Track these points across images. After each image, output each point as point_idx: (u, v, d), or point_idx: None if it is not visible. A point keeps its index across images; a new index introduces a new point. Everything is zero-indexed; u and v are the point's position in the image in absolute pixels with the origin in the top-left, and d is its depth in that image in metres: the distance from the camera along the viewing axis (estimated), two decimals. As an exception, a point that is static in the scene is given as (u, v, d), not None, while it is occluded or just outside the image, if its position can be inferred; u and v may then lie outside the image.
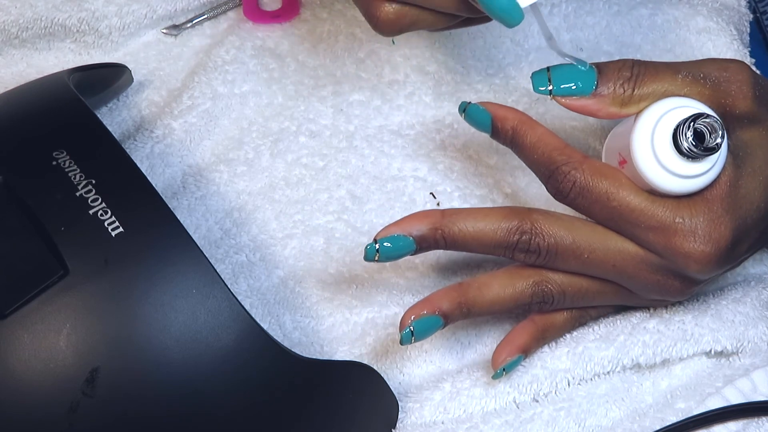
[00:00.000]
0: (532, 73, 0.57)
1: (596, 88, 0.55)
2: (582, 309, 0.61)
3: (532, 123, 0.58)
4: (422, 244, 0.57)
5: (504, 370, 0.59)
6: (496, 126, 0.59)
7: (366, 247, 0.56)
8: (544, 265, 0.57)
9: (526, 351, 0.59)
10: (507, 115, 0.58)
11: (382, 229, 0.57)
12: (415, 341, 0.57)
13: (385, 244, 0.56)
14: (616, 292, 0.59)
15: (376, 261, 0.57)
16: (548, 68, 0.56)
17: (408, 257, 0.65)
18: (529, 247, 0.57)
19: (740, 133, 0.56)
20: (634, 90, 0.55)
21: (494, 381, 0.60)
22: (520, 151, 0.59)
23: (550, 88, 0.56)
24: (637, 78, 0.55)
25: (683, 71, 0.56)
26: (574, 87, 0.56)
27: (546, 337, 0.60)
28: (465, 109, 0.59)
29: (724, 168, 0.55)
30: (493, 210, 0.57)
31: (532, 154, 0.58)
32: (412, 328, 0.57)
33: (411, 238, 0.56)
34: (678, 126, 0.53)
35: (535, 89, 0.56)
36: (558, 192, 0.57)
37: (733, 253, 0.56)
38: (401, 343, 0.57)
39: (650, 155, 0.55)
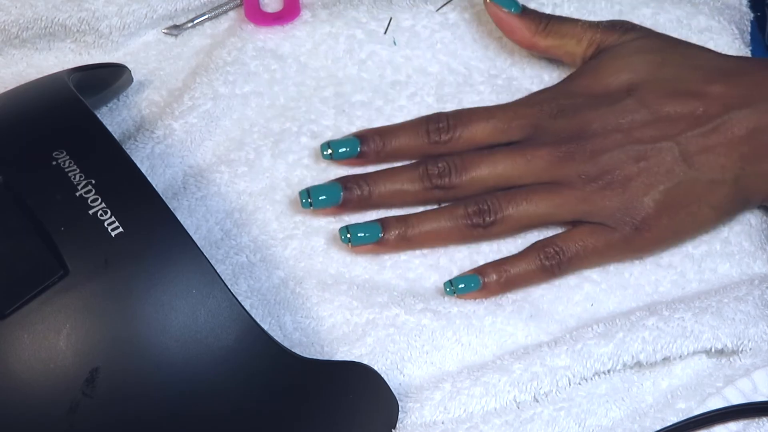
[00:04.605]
0: None
1: (522, 12, 0.68)
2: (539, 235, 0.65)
3: (386, 126, 0.67)
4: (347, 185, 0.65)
5: (451, 284, 0.63)
6: (362, 146, 0.66)
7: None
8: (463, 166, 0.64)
9: (480, 272, 0.64)
10: (363, 131, 0.67)
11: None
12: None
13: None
14: (553, 192, 0.63)
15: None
16: None
17: (410, 263, 0.65)
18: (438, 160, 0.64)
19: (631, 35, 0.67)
20: (547, 24, 0.67)
21: (494, 380, 0.60)
22: (394, 144, 0.66)
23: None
24: (551, 18, 0.68)
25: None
26: (504, 4, 0.68)
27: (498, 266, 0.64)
28: (330, 154, 0.67)
29: None
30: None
31: (405, 134, 0.66)
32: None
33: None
34: None
35: None
36: (439, 134, 0.65)
37: (663, 68, 0.64)
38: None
39: None
